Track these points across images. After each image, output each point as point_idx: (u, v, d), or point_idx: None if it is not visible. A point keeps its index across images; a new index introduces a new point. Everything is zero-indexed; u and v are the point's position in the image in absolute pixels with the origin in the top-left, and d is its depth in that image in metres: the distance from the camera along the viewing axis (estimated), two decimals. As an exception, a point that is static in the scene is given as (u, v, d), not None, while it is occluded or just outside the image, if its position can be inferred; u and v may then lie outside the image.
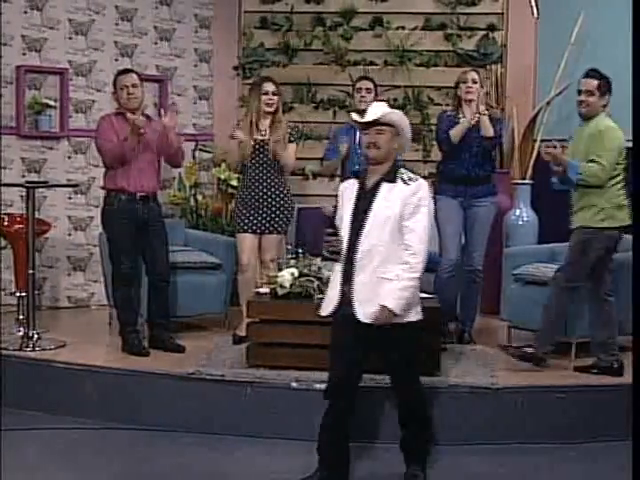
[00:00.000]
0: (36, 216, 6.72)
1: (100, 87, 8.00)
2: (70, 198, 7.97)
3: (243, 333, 6.33)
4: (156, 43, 8.42)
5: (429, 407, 4.96)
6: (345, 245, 4.54)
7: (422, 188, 4.52)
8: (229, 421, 5.55)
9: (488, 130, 6.43)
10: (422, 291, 4.80)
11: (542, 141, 7.05)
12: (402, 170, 4.60)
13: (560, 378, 5.76)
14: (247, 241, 6.60)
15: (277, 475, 4.91)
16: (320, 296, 5.73)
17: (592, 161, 5.63)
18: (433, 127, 7.49)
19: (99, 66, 8.06)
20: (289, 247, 6.58)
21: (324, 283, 5.79)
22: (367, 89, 6.82)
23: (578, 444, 5.37)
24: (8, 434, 5.34)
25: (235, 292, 6.88)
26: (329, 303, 4.63)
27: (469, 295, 6.73)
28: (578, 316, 6.00)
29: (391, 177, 4.54)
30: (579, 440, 5.40)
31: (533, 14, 8.15)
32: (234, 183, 7.93)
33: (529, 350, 5.84)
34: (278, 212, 6.60)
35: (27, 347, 6.31)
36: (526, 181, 7.84)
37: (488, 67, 8.33)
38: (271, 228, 6.60)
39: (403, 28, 8.54)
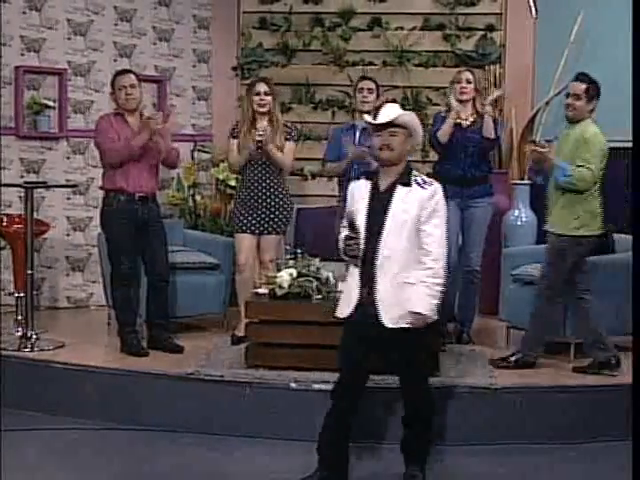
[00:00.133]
0: (35, 216, 6.72)
1: (99, 87, 7.98)
2: (69, 198, 7.96)
3: (242, 333, 6.33)
4: (155, 43, 8.41)
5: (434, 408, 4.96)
6: (362, 247, 4.53)
7: (438, 192, 4.54)
8: (228, 421, 5.55)
9: (491, 131, 6.43)
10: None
11: (531, 142, 7.05)
12: (414, 172, 4.61)
13: (560, 378, 5.77)
14: (245, 241, 6.60)
15: (276, 475, 4.91)
16: (319, 296, 5.76)
17: (581, 166, 5.63)
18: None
19: (98, 66, 8.05)
20: (288, 247, 6.59)
21: (323, 283, 5.81)
22: (369, 89, 6.78)
23: (578, 444, 5.37)
24: (8, 434, 5.33)
25: (234, 292, 6.87)
26: (347, 305, 4.61)
27: (467, 296, 6.73)
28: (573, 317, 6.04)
29: (406, 180, 4.54)
30: (579, 440, 5.40)
31: (532, 14, 8.15)
32: (233, 183, 7.94)
33: (514, 358, 5.93)
34: (277, 212, 6.60)
35: (26, 347, 6.30)
36: (525, 181, 7.83)
37: (487, 67, 8.34)
38: (270, 228, 6.60)
39: (402, 28, 8.55)
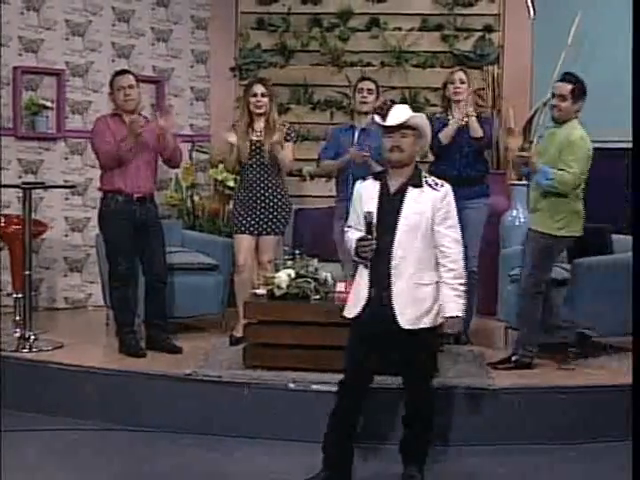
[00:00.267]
0: (33, 217, 6.71)
1: (97, 88, 7.98)
2: (67, 199, 7.96)
3: (240, 334, 6.33)
4: (153, 44, 8.41)
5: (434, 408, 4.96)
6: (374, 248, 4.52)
7: (450, 193, 4.58)
8: (227, 422, 5.54)
9: (477, 131, 6.46)
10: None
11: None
12: (424, 173, 4.61)
13: (560, 378, 5.76)
14: (244, 242, 6.59)
15: (276, 475, 4.91)
16: (317, 297, 5.76)
17: (563, 170, 5.63)
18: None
19: (96, 67, 8.05)
20: (286, 248, 6.58)
21: (321, 284, 5.81)
22: (369, 90, 6.75)
23: (578, 444, 5.37)
24: (8, 435, 5.32)
25: (232, 293, 6.86)
26: (356, 305, 4.60)
27: (465, 296, 6.72)
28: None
29: (417, 181, 4.55)
30: (579, 440, 5.39)
31: (530, 15, 8.15)
32: (231, 184, 7.93)
33: (512, 359, 5.94)
34: (275, 213, 6.59)
35: (24, 348, 6.30)
36: (522, 182, 7.81)
37: (485, 68, 8.34)
38: (268, 229, 6.60)
39: (400, 29, 8.56)
